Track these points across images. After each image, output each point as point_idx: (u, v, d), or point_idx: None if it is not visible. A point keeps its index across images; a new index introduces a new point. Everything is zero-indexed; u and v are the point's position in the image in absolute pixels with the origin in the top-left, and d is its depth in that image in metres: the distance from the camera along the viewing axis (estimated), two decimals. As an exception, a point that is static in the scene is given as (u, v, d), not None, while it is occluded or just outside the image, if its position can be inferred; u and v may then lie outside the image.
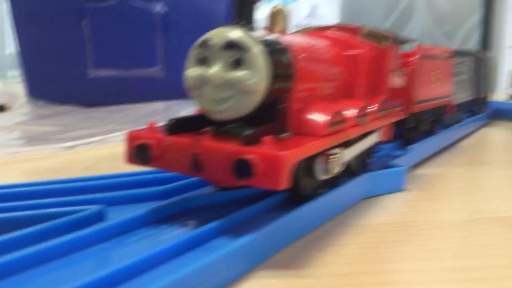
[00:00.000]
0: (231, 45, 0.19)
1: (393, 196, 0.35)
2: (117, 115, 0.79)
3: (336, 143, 0.23)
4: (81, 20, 0.91)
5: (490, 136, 0.68)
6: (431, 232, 0.29)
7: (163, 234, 0.22)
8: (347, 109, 0.25)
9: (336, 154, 0.23)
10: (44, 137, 0.59)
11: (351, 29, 0.33)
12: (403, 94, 0.40)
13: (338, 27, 0.34)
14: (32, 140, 0.58)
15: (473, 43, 2.59)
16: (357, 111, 0.26)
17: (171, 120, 0.21)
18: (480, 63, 0.72)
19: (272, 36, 0.22)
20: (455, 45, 2.57)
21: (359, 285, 0.21)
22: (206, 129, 0.21)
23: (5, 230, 0.22)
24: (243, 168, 0.18)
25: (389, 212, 0.32)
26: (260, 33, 0.21)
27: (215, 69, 0.19)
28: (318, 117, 0.22)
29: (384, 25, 2.39)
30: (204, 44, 0.20)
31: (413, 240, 0.27)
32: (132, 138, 0.21)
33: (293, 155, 0.19)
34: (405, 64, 0.41)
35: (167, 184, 0.30)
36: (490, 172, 0.46)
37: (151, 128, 0.22)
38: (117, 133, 0.60)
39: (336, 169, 0.23)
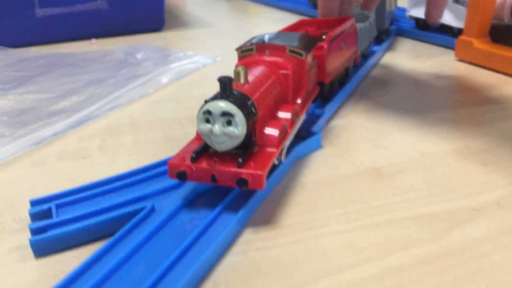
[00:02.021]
0: (224, 113, 0.32)
1: (314, 155, 0.44)
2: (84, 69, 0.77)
3: (284, 143, 0.37)
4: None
5: (392, 65, 0.72)
6: (336, 187, 0.38)
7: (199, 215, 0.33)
8: (285, 113, 0.39)
9: (284, 148, 0.38)
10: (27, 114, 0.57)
11: (278, 48, 0.44)
12: (319, 73, 0.50)
13: (269, 47, 0.44)
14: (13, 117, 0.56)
15: None
16: (291, 113, 0.39)
17: (193, 153, 0.34)
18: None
19: (241, 94, 0.34)
20: None
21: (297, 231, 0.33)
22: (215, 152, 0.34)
23: (89, 237, 0.32)
24: (241, 181, 0.32)
25: (311, 172, 0.41)
26: (239, 99, 0.33)
27: (216, 127, 0.32)
28: (272, 133, 0.36)
29: None
30: (208, 112, 0.32)
31: (325, 195, 0.37)
32: (173, 167, 0.34)
33: (266, 170, 0.32)
34: (317, 55, 0.50)
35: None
36: (390, 117, 0.51)
37: (183, 158, 0.34)
38: (102, 104, 0.60)
39: (284, 155, 0.38)
